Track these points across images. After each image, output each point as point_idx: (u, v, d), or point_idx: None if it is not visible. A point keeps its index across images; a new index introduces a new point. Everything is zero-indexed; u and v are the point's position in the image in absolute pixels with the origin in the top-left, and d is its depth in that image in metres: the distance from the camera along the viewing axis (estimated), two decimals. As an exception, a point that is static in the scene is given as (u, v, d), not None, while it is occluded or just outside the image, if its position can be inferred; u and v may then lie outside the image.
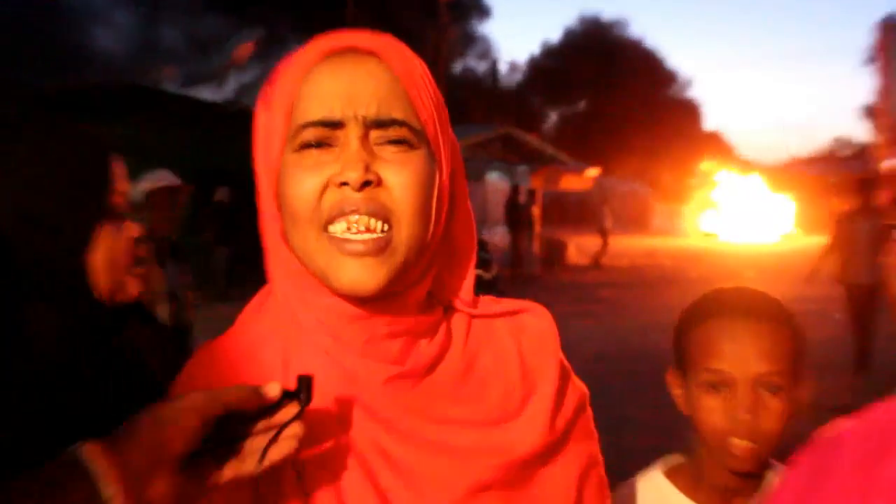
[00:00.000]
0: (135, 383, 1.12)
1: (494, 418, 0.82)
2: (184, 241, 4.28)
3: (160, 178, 3.45)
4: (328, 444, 0.77)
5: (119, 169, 1.14)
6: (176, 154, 9.97)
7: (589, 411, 0.92)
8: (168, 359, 1.22)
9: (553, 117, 46.38)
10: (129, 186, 1.16)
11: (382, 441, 0.78)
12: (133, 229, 1.14)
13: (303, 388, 0.71)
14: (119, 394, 1.08)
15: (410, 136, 0.77)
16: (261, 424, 0.72)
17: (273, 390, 0.70)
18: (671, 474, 1.23)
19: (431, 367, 0.82)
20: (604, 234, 18.41)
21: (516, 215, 15.73)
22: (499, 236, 16.65)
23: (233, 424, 0.71)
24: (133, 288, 1.14)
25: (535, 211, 16.50)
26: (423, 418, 0.79)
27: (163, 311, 3.33)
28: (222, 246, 11.54)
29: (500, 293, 0.92)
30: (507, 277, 14.99)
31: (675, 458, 1.25)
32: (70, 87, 12.81)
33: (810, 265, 7.83)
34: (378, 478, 0.77)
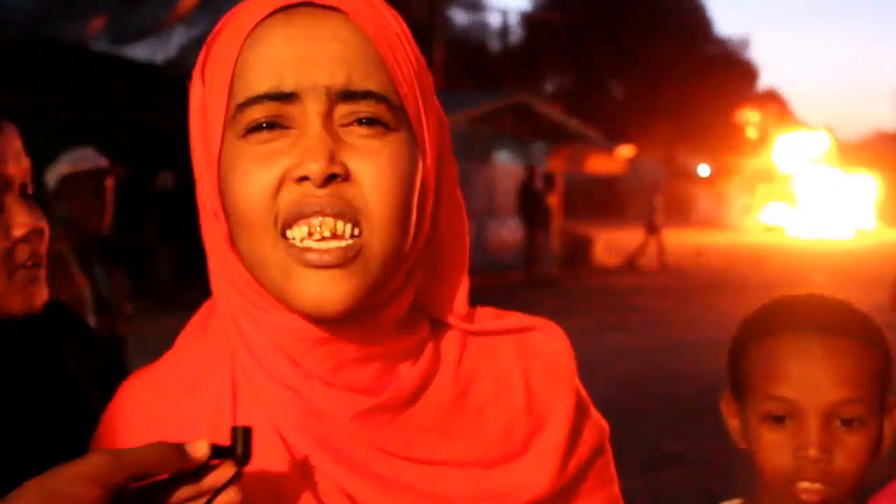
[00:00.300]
0: (55, 413, 1.11)
1: (493, 458, 0.82)
2: (117, 239, 4.28)
3: (82, 159, 3.42)
4: (290, 498, 0.77)
5: (6, 145, 1.09)
6: (105, 128, 9.97)
7: (609, 452, 0.92)
8: (106, 381, 1.19)
9: (552, 86, 45.24)
10: (22, 166, 1.11)
11: (354, 491, 0.77)
12: (20, 223, 1.08)
13: (238, 444, 0.69)
14: (28, 428, 1.07)
15: (387, 115, 0.75)
16: (186, 490, 0.69)
17: (200, 449, 0.68)
18: None
19: (414, 396, 0.81)
20: (653, 230, 18.53)
21: (531, 205, 15.76)
22: (509, 230, 16.67)
23: (150, 491, 0.69)
24: (28, 298, 1.09)
25: (554, 199, 16.52)
26: (404, 460, 0.79)
27: (89, 323, 3.33)
28: (166, 243, 11.55)
29: None
30: (519, 281, 15.02)
31: None
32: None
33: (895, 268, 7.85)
34: None
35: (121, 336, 3.50)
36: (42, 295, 1.12)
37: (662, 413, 6.89)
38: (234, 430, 0.69)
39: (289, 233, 0.74)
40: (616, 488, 0.92)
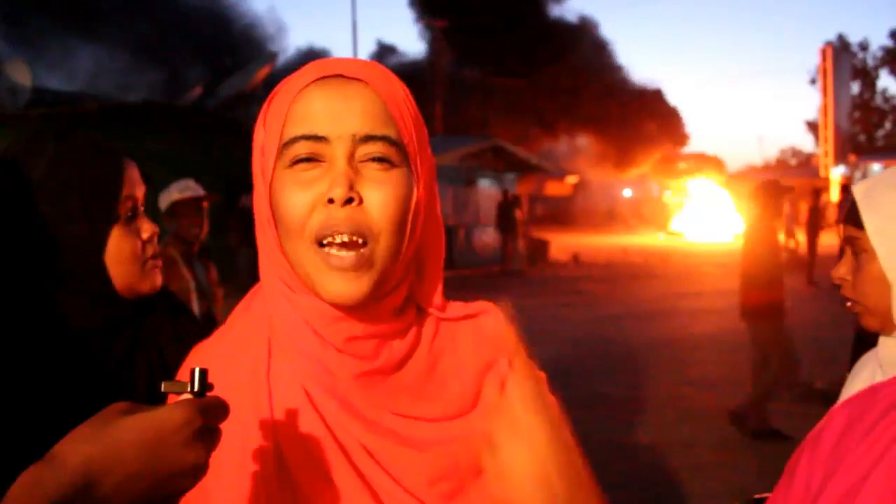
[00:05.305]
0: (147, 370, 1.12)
1: (452, 414, 0.81)
2: (210, 243, 4.27)
3: (185, 187, 3.43)
4: (312, 435, 0.76)
5: (132, 174, 1.12)
6: (204, 165, 9.96)
7: (522, 356, 0.85)
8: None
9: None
10: (143, 189, 1.15)
11: (352, 429, 0.77)
12: (146, 229, 1.13)
13: (196, 382, 0.64)
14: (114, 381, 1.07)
15: (393, 154, 0.75)
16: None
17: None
18: None
19: (400, 364, 0.79)
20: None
21: (505, 218, 15.70)
22: (490, 236, 16.65)
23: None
24: (150, 281, 1.13)
25: (521, 214, 16.48)
26: (388, 412, 0.78)
27: (194, 306, 3.34)
28: (246, 246, 11.53)
29: None
30: (497, 272, 14.99)
31: None
32: (111, 104, 12.80)
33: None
34: (360, 466, 0.76)
35: (214, 313, 3.51)
36: (160, 279, 1.16)
37: (597, 365, 6.90)
38: (192, 371, 0.64)
39: (318, 242, 0.74)
40: (536, 371, 0.85)
